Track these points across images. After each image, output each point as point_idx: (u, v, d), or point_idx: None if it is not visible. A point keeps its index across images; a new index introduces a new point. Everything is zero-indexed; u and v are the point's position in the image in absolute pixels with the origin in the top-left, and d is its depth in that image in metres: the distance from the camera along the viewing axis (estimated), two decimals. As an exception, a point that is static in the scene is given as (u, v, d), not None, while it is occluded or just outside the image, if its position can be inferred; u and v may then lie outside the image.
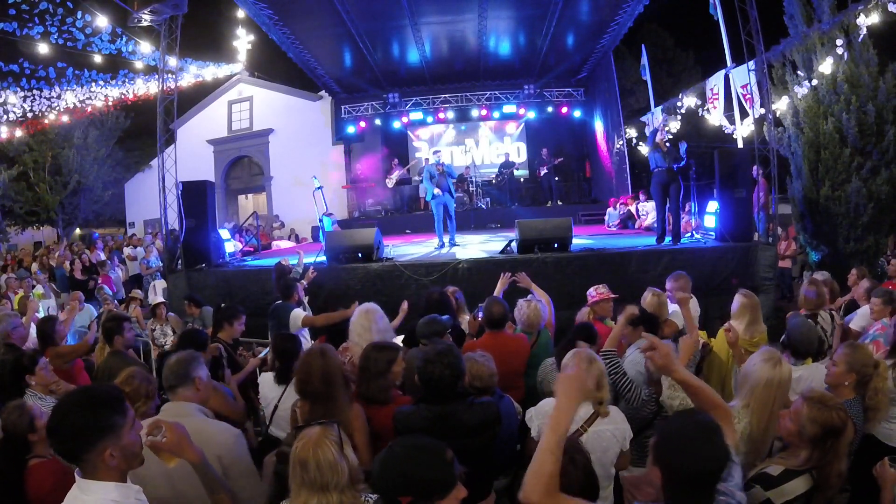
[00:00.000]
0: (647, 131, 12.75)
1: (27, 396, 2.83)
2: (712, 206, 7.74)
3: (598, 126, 14.14)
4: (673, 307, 3.87)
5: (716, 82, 10.42)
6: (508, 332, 3.39)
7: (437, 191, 7.78)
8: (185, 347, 3.12)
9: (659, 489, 1.45)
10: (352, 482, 1.55)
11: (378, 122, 15.15)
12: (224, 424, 2.18)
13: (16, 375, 2.92)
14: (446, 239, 8.01)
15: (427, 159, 8.18)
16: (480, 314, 3.55)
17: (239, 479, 2.02)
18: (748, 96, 8.58)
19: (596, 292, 4.02)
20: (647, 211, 10.17)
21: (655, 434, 1.52)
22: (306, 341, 4.17)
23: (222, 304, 4.03)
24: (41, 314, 6.27)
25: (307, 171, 14.21)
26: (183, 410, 2.10)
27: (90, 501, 1.44)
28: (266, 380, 2.97)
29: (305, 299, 4.94)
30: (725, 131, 10.51)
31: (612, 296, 3.92)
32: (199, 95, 17.32)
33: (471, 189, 13.62)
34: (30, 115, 12.60)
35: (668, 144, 6.77)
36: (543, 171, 13.69)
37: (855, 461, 2.30)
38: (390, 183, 12.92)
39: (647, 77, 13.32)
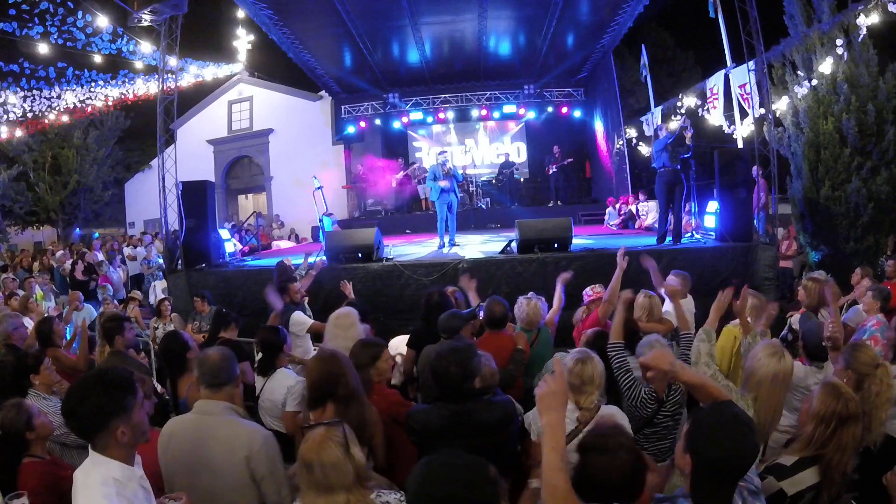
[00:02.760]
0: (650, 131, 12.75)
1: (30, 396, 2.83)
2: (712, 206, 7.75)
3: (598, 126, 14.13)
4: (668, 307, 3.89)
5: (716, 82, 10.41)
6: (508, 332, 3.40)
7: (444, 183, 7.66)
8: (168, 349, 3.10)
9: (686, 475, 1.49)
10: (359, 481, 1.55)
11: (378, 122, 15.14)
12: (254, 425, 2.13)
13: (18, 375, 2.92)
14: (446, 239, 8.02)
15: (439, 155, 8.11)
16: (481, 314, 3.55)
17: (266, 481, 1.95)
18: (745, 96, 8.58)
19: (592, 291, 4.07)
20: (647, 211, 10.17)
21: (690, 423, 1.54)
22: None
23: (223, 309, 4.03)
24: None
25: (307, 171, 14.21)
26: (213, 409, 2.07)
27: (95, 473, 1.56)
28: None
29: (305, 300, 4.91)
30: (725, 131, 10.51)
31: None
32: (199, 95, 17.33)
33: (471, 189, 13.61)
34: (30, 115, 12.61)
35: (668, 143, 6.77)
36: (553, 169, 13.60)
37: (863, 463, 2.26)
38: (394, 182, 13.03)
39: (647, 77, 13.31)
